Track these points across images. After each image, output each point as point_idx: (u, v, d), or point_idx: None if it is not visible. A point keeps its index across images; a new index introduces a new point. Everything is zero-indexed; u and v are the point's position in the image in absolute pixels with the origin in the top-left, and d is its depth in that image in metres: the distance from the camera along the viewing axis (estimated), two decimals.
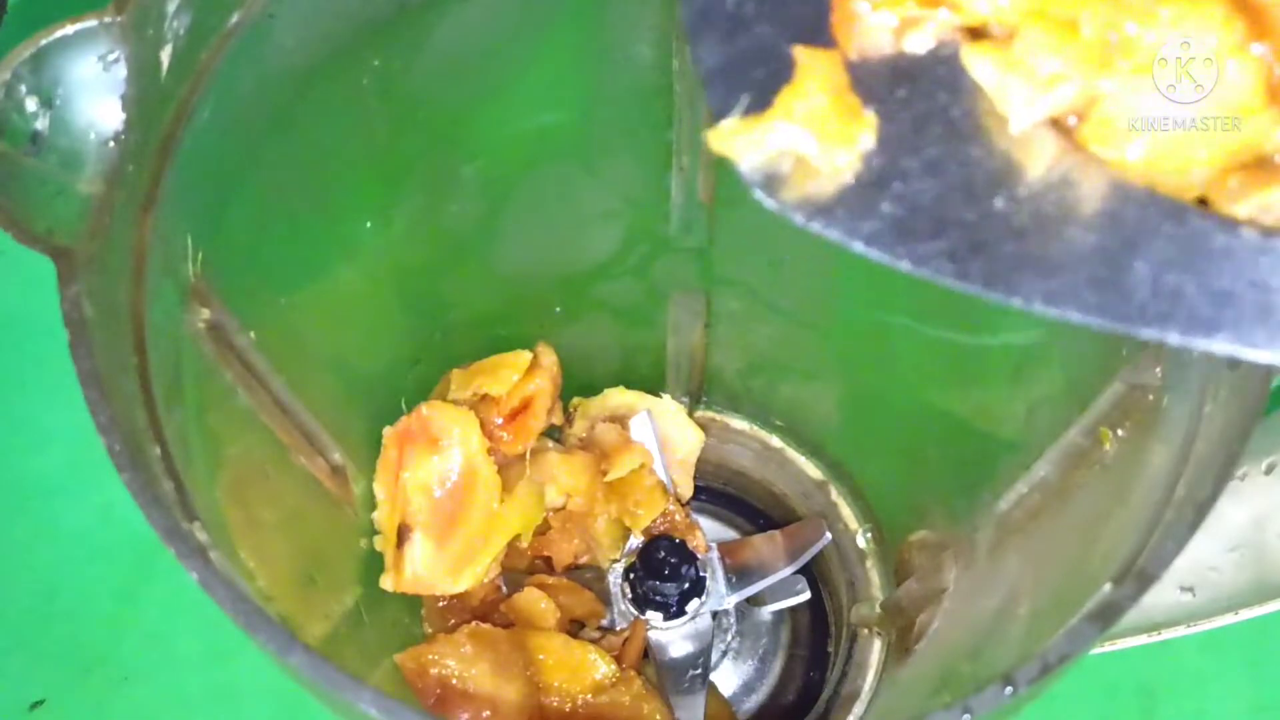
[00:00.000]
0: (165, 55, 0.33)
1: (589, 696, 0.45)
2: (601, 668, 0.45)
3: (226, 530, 0.35)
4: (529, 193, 0.47)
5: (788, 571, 0.50)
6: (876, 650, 0.50)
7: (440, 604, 0.47)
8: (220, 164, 0.36)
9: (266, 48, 0.35)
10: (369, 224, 0.44)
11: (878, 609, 0.51)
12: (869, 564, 0.53)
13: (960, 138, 0.25)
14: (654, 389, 0.53)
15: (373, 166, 0.43)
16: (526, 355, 0.48)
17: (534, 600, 0.47)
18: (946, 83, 0.25)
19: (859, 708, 0.48)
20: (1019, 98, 0.25)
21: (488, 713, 0.43)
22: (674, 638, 0.49)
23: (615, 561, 0.50)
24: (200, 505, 0.31)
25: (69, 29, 0.31)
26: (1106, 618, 0.28)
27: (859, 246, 0.25)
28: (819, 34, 0.25)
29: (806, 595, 0.51)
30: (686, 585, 0.49)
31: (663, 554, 0.49)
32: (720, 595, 0.50)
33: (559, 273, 0.49)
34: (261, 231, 0.39)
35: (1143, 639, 0.37)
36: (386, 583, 0.45)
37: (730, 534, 0.56)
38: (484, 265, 0.47)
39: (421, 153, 0.44)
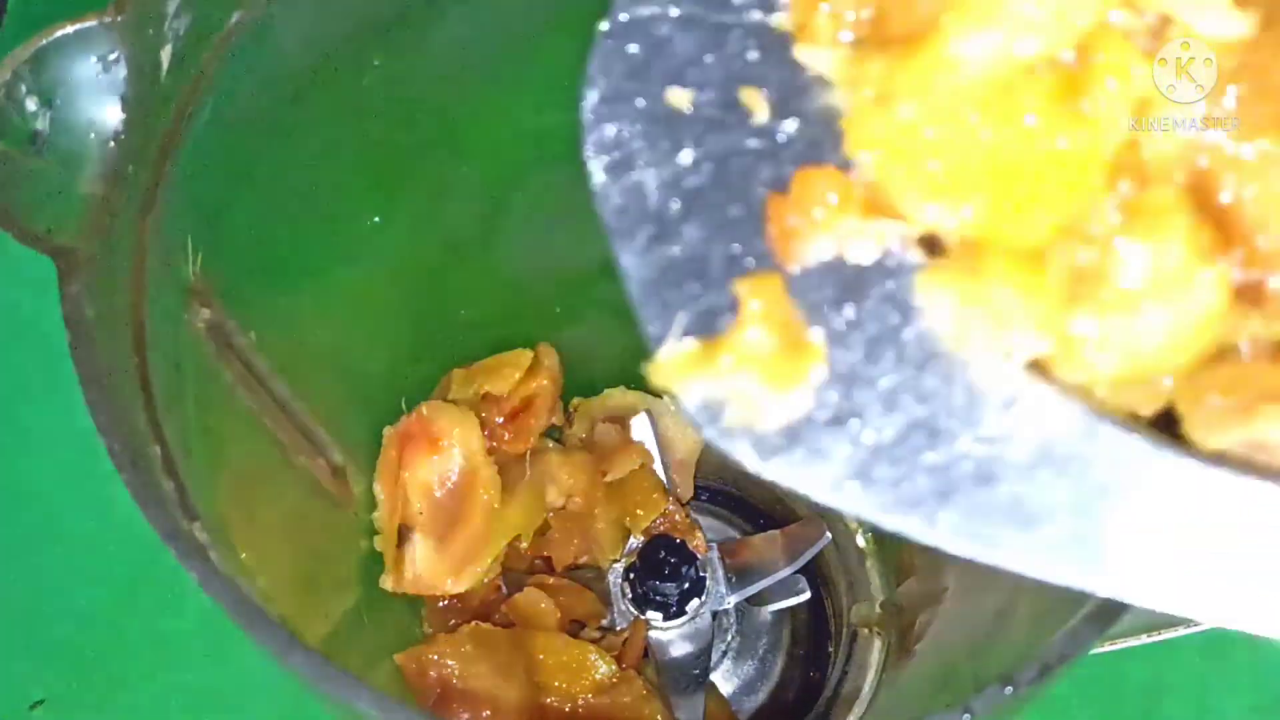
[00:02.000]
0: (165, 55, 0.33)
1: (589, 697, 0.45)
2: (602, 668, 0.45)
3: (226, 530, 0.35)
4: (529, 193, 0.47)
5: (788, 571, 0.50)
6: (877, 650, 0.50)
7: (440, 604, 0.47)
8: (221, 164, 0.36)
9: (267, 48, 0.35)
10: (369, 224, 0.44)
11: (878, 609, 0.51)
12: (869, 564, 0.53)
13: (916, 365, 0.23)
14: (654, 389, 0.53)
15: (373, 166, 0.43)
16: (528, 355, 0.48)
17: (534, 600, 0.47)
18: (896, 299, 0.23)
19: (859, 708, 0.48)
20: (982, 345, 0.22)
21: (488, 713, 0.43)
22: (674, 638, 0.49)
23: (615, 561, 0.50)
24: (200, 505, 0.31)
25: (69, 29, 0.31)
26: (1107, 618, 0.28)
27: (818, 498, 0.22)
28: (753, 237, 0.23)
29: (806, 595, 0.50)
30: (686, 585, 0.49)
31: (663, 554, 0.49)
32: (720, 595, 0.50)
33: (559, 273, 0.49)
34: (262, 231, 0.39)
35: (1143, 639, 0.37)
36: (387, 583, 0.45)
37: (730, 534, 0.56)
38: (484, 265, 0.47)
39: (422, 153, 0.44)
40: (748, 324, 0.22)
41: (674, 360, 0.23)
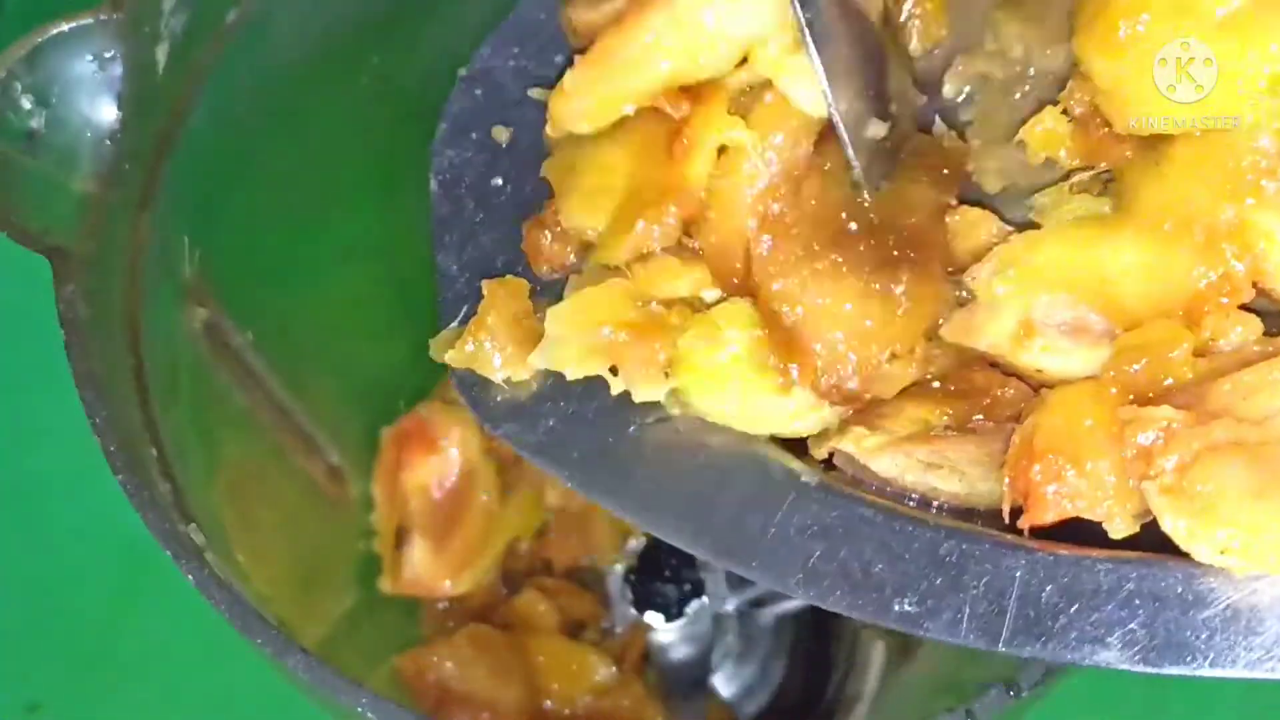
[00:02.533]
0: (161, 53, 0.32)
1: (589, 699, 0.44)
2: (601, 670, 0.45)
3: (223, 532, 0.34)
4: None
5: None
6: (879, 653, 0.49)
7: (439, 606, 0.47)
8: (217, 163, 0.36)
9: (264, 46, 0.35)
10: (367, 223, 0.44)
11: None
12: None
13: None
14: None
15: (370, 165, 0.43)
16: None
17: (533, 602, 0.47)
18: None
19: (861, 711, 0.48)
20: None
21: (486, 715, 0.43)
22: (674, 640, 0.49)
23: (615, 563, 0.49)
24: (196, 507, 0.31)
25: (65, 27, 0.31)
26: None
27: (524, 455, 0.28)
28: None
29: None
30: (687, 587, 0.48)
31: (663, 555, 0.49)
32: (721, 597, 0.49)
33: None
34: (259, 231, 0.39)
35: None
36: (385, 585, 0.45)
37: None
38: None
39: (419, 151, 0.44)
40: (487, 309, 0.28)
41: (445, 335, 0.29)
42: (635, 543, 0.50)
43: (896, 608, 0.25)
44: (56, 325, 0.29)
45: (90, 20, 0.31)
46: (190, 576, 0.28)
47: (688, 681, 0.49)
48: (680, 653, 0.49)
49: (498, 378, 0.28)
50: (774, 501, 0.26)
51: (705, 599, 0.49)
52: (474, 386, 0.28)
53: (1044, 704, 0.29)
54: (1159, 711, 0.52)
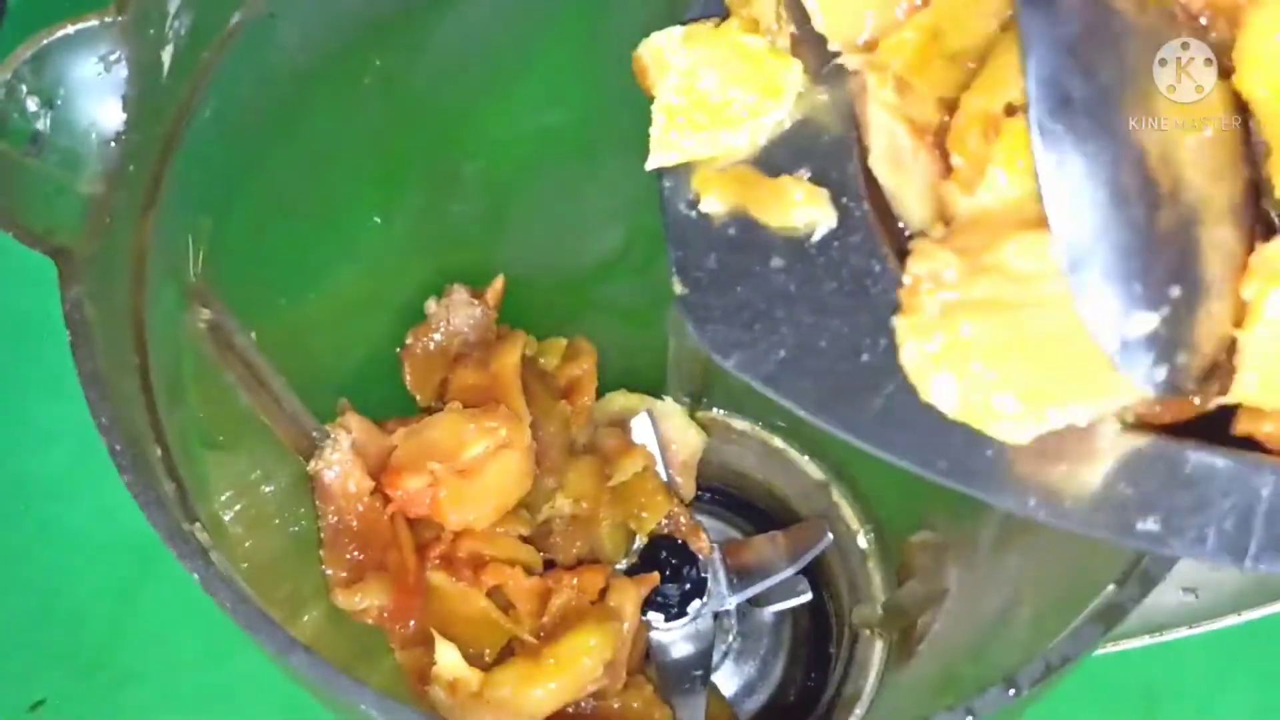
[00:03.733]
0: (166, 55, 0.33)
1: (595, 701, 0.44)
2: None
3: (227, 530, 0.35)
4: (530, 192, 0.47)
5: (789, 572, 0.50)
6: (878, 651, 0.50)
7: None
8: (221, 164, 0.36)
9: (267, 48, 0.35)
10: (370, 224, 0.44)
11: (879, 610, 0.51)
12: (871, 565, 0.53)
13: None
14: (655, 390, 0.53)
15: (374, 166, 0.43)
16: (562, 343, 0.49)
17: None
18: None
19: (860, 709, 0.48)
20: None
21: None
22: (675, 639, 0.49)
23: (617, 563, 0.50)
24: (201, 505, 0.31)
25: (70, 29, 0.31)
26: (1109, 619, 0.28)
27: (756, 384, 0.28)
28: None
29: (808, 596, 0.50)
30: (688, 586, 0.49)
31: (664, 555, 0.49)
32: (722, 596, 0.49)
33: (560, 273, 0.49)
34: (263, 232, 0.39)
35: (1145, 640, 0.36)
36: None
37: (732, 535, 0.56)
38: (485, 265, 0.47)
39: (422, 152, 0.44)
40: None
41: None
42: (636, 542, 0.50)
43: (1139, 526, 0.25)
44: (61, 326, 0.30)
45: (95, 23, 0.31)
46: (195, 575, 0.28)
47: (688, 679, 0.49)
48: (681, 651, 0.49)
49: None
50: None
51: (705, 598, 0.49)
52: (699, 311, 0.28)
53: (1044, 703, 0.29)
54: (1159, 711, 0.52)
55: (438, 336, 0.46)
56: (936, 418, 0.25)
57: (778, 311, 0.27)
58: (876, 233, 0.28)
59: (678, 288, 0.29)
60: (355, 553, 0.41)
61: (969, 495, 0.27)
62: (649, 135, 0.30)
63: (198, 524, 0.30)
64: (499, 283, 0.47)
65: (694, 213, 0.29)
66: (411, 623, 0.42)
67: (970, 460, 0.26)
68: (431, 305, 0.46)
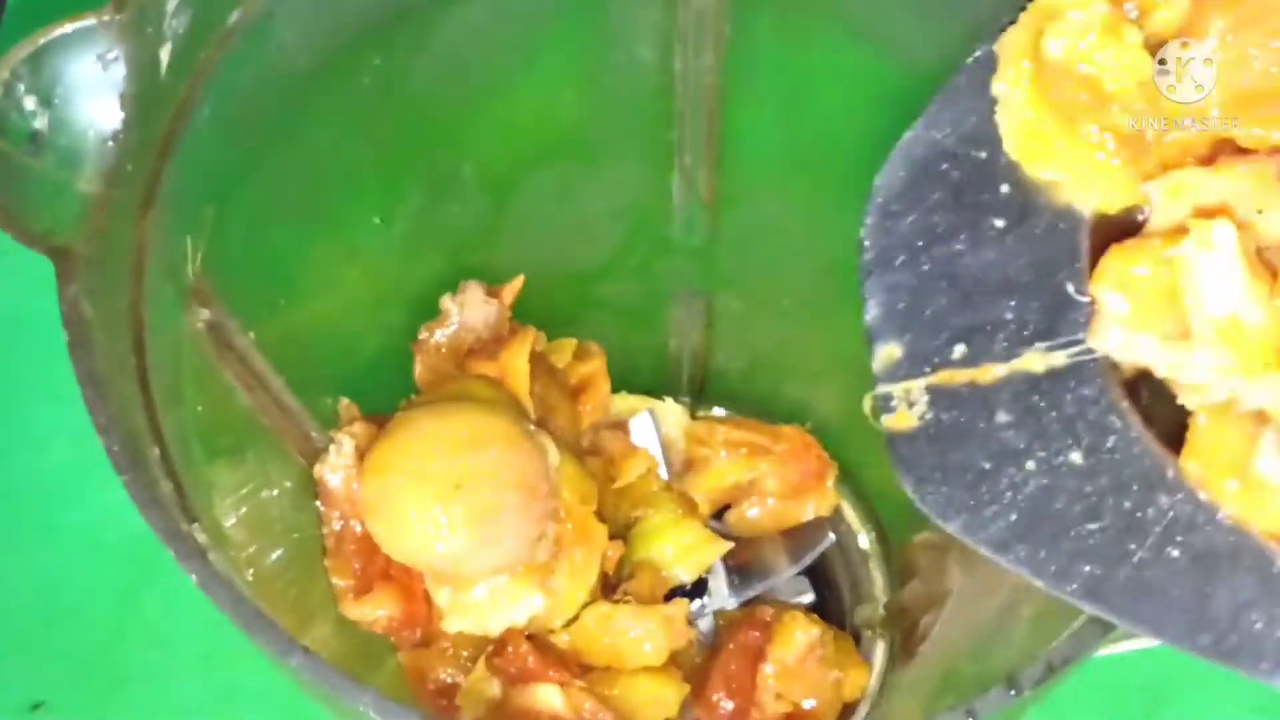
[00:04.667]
0: (164, 54, 0.33)
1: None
2: None
3: (225, 531, 0.35)
4: (530, 193, 0.47)
5: (791, 573, 0.50)
6: (880, 652, 0.49)
7: None
8: (220, 163, 0.36)
9: (266, 47, 0.35)
10: (369, 224, 0.44)
11: (881, 610, 0.51)
12: (872, 565, 0.53)
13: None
14: (656, 390, 0.53)
15: (373, 166, 0.43)
16: (572, 343, 0.49)
17: None
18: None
19: (862, 709, 0.48)
20: None
21: None
22: None
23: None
24: (199, 506, 0.31)
25: (68, 28, 0.31)
26: (1109, 620, 0.28)
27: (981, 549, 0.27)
28: None
29: (810, 597, 0.50)
30: (689, 586, 0.48)
31: None
32: (723, 596, 0.49)
33: (560, 273, 0.49)
34: (262, 231, 0.39)
35: (1146, 641, 0.36)
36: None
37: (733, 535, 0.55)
38: (485, 265, 0.47)
39: (422, 152, 0.44)
40: None
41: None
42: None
43: None
44: (59, 326, 0.29)
45: (93, 21, 0.31)
46: (193, 576, 0.28)
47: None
48: None
49: None
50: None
51: (706, 598, 0.49)
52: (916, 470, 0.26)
53: (1044, 704, 0.29)
54: (1159, 711, 0.52)
55: (451, 330, 0.46)
56: (1191, 585, 0.24)
57: (1007, 471, 0.26)
58: (1111, 382, 0.26)
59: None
60: (360, 559, 0.41)
61: None
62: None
63: (196, 525, 0.30)
64: (518, 281, 0.47)
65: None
66: (418, 632, 0.42)
67: (1236, 635, 0.24)
68: (446, 300, 0.46)
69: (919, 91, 0.32)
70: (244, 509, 0.37)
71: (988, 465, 0.26)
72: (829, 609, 0.54)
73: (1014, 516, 0.26)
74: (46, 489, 0.56)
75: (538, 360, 0.46)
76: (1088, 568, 0.25)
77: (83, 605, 0.54)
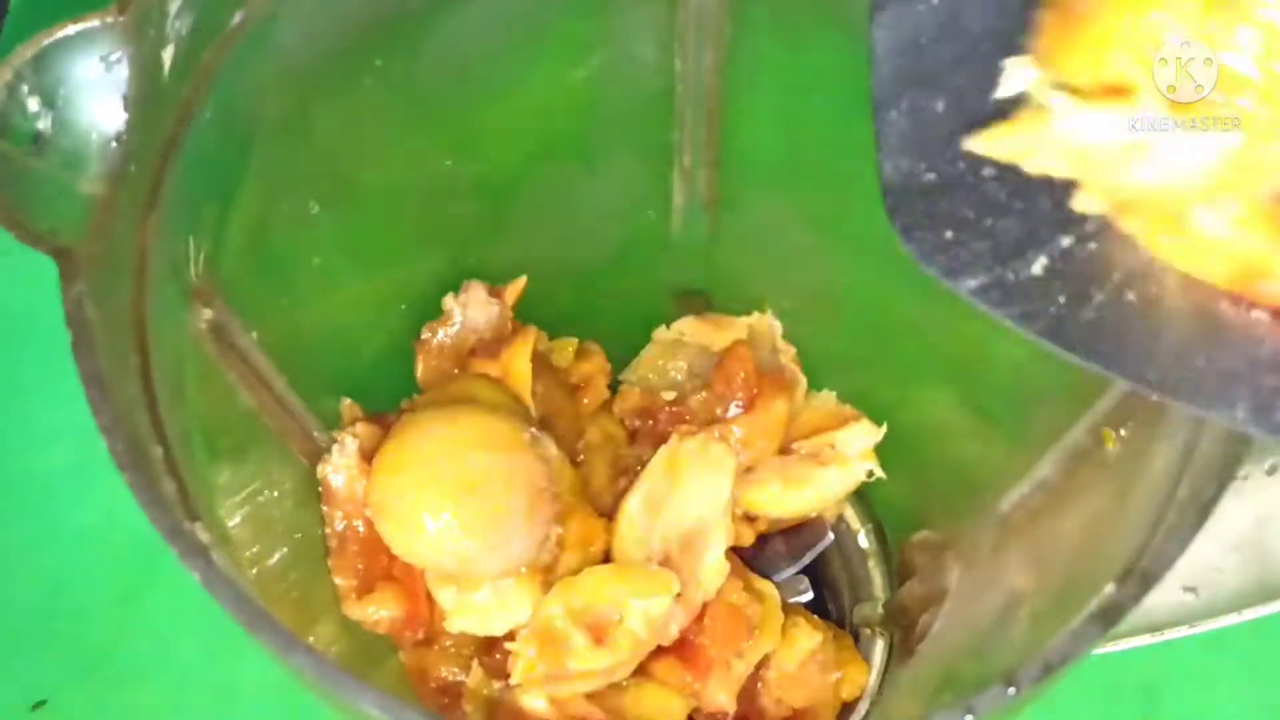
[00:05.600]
0: (167, 55, 0.33)
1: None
2: None
3: (228, 530, 0.35)
4: (531, 193, 0.47)
5: (790, 571, 0.50)
6: (879, 650, 0.50)
7: None
8: (222, 164, 0.36)
9: (269, 48, 0.35)
10: (371, 223, 0.44)
11: (880, 609, 0.51)
12: (871, 564, 0.53)
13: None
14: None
15: (374, 166, 0.43)
16: (573, 342, 0.49)
17: None
18: None
19: (861, 708, 0.48)
20: None
21: None
22: None
23: None
24: (201, 505, 0.31)
25: (71, 29, 0.31)
26: (1109, 618, 0.28)
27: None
28: None
29: (809, 595, 0.50)
30: None
31: None
32: None
33: (561, 273, 0.49)
34: (264, 232, 0.39)
35: (1145, 639, 0.37)
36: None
37: None
38: (486, 265, 0.47)
39: (423, 153, 0.44)
40: None
41: None
42: None
43: None
44: (62, 326, 0.30)
45: (96, 23, 0.31)
46: (196, 574, 0.28)
47: None
48: None
49: None
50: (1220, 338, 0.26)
51: None
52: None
53: (1043, 702, 0.29)
54: (1158, 711, 0.52)
55: (454, 330, 0.46)
56: (1147, 327, 0.26)
57: (986, 220, 0.27)
58: None
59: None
60: (363, 560, 0.41)
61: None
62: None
63: (198, 523, 0.30)
64: (520, 282, 0.47)
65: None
66: (420, 632, 0.42)
67: (1181, 369, 0.26)
68: (449, 300, 0.46)
69: None
70: (246, 509, 0.37)
71: (971, 214, 0.28)
72: (828, 607, 0.54)
73: (991, 263, 0.28)
74: (47, 489, 0.56)
75: (539, 360, 0.46)
76: (1052, 309, 0.27)
77: (84, 605, 0.54)
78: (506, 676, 0.41)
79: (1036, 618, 0.34)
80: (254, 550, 0.36)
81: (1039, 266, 0.27)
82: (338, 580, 0.41)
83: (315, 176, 0.40)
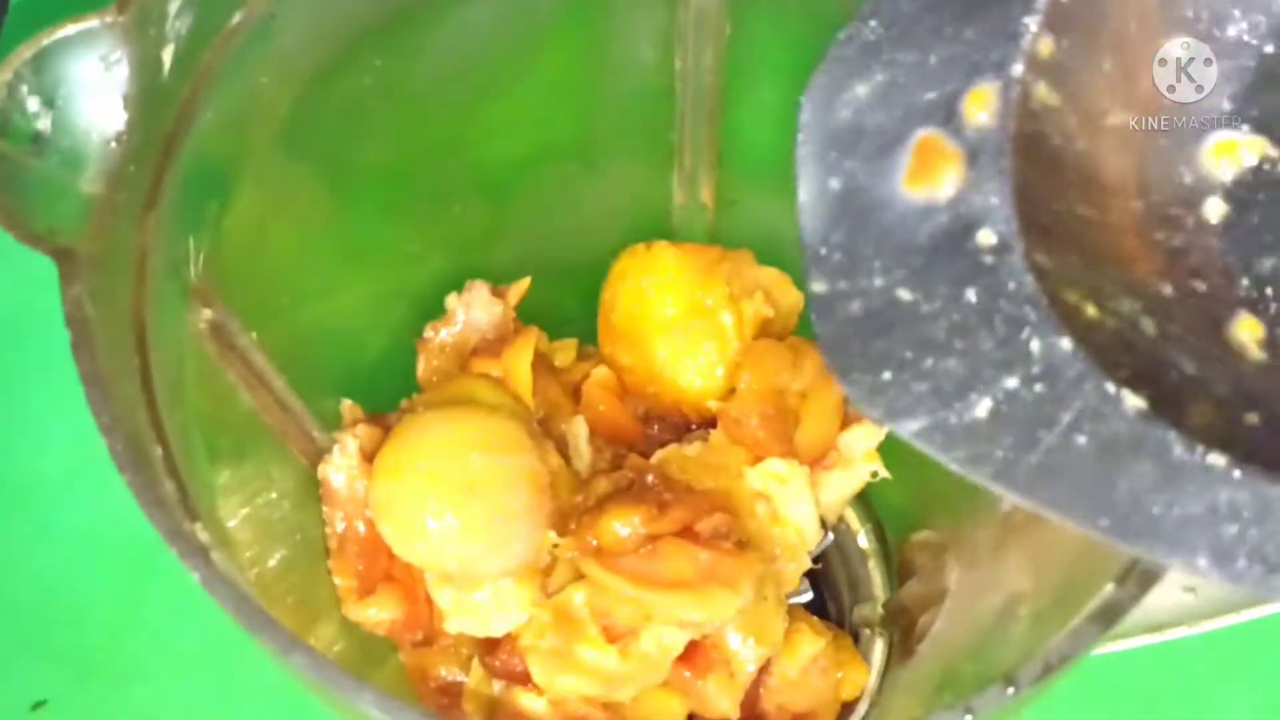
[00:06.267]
0: (167, 55, 0.33)
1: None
2: None
3: (228, 531, 0.35)
4: (531, 193, 0.47)
5: None
6: (879, 650, 0.50)
7: None
8: (222, 164, 0.36)
9: (268, 48, 0.35)
10: (371, 224, 0.44)
11: (880, 609, 0.51)
12: (871, 564, 0.53)
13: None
14: None
15: (374, 167, 0.43)
16: (573, 342, 0.49)
17: None
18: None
19: (861, 708, 0.48)
20: None
21: None
22: None
23: None
24: (202, 506, 0.31)
25: (71, 29, 0.31)
26: (1108, 618, 0.28)
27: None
28: None
29: (808, 596, 0.50)
30: None
31: None
32: None
33: (561, 273, 0.49)
34: (264, 232, 0.39)
35: (1145, 639, 0.36)
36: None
37: None
38: (486, 265, 0.47)
39: (424, 153, 0.44)
40: None
41: None
42: None
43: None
44: (62, 326, 0.30)
45: (96, 23, 0.31)
46: (196, 574, 0.28)
47: None
48: None
49: None
50: (1177, 483, 0.25)
51: None
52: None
53: (1043, 702, 0.29)
54: (1158, 711, 0.52)
55: (456, 330, 0.46)
56: (1100, 471, 0.25)
57: (925, 361, 0.27)
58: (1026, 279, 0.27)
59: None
60: (363, 560, 0.41)
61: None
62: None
63: (198, 524, 0.30)
64: (524, 282, 0.47)
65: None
66: (420, 633, 0.42)
67: (1138, 515, 0.25)
68: (453, 299, 0.46)
69: None
70: (246, 509, 0.37)
71: (909, 354, 0.27)
72: (828, 608, 0.54)
73: (934, 405, 0.27)
74: (47, 489, 0.56)
75: (540, 360, 0.46)
76: (999, 453, 0.26)
77: (84, 605, 0.54)
78: (507, 676, 0.41)
79: (1036, 618, 0.34)
80: (254, 551, 0.36)
81: (983, 409, 0.26)
82: (338, 581, 0.41)
83: (315, 176, 0.40)
